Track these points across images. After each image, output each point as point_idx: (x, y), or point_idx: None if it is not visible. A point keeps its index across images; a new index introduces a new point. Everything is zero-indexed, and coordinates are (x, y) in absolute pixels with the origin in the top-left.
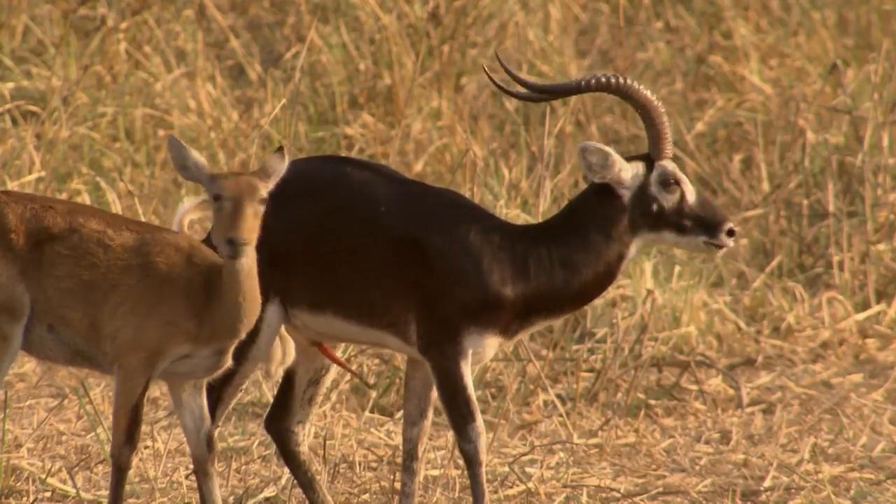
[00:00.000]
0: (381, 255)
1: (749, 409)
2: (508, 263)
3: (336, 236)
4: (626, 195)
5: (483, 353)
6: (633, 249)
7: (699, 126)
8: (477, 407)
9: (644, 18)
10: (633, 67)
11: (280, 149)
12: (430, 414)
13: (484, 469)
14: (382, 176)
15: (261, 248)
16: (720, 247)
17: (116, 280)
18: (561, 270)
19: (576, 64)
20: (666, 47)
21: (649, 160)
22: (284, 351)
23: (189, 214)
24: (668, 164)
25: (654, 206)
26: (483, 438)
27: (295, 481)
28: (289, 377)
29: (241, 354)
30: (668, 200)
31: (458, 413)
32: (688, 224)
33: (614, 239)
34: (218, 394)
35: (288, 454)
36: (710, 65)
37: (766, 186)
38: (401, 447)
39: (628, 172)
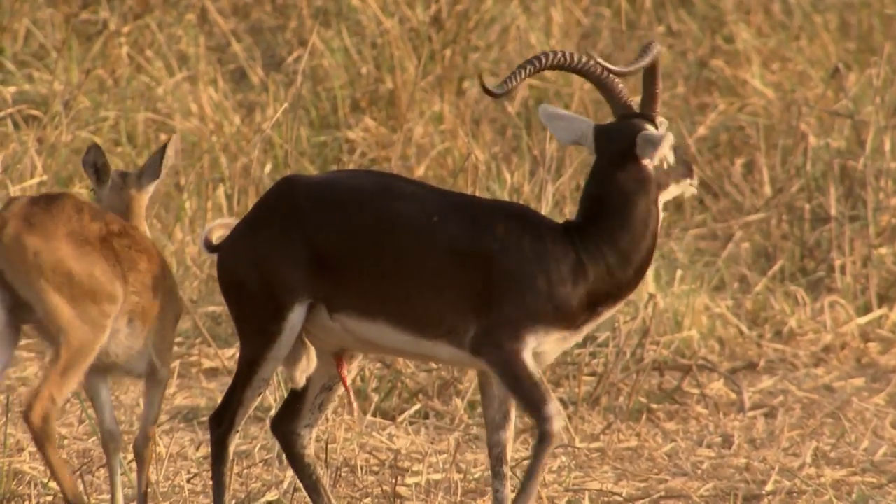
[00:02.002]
0: (438, 265)
1: (751, 413)
2: (566, 263)
3: (391, 245)
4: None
5: (549, 349)
6: (660, 214)
7: (701, 130)
8: (549, 389)
9: (646, 22)
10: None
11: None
12: (514, 416)
13: (551, 449)
14: (428, 189)
15: (296, 250)
16: (693, 187)
17: (166, 284)
18: (615, 258)
19: None
20: (668, 51)
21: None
22: (307, 357)
23: (217, 231)
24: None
25: (667, 167)
26: (560, 418)
27: (298, 485)
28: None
29: (260, 356)
30: (672, 156)
31: (530, 399)
32: (679, 173)
33: (646, 210)
34: (238, 397)
35: (293, 457)
36: (712, 69)
37: (767, 190)
38: (488, 452)
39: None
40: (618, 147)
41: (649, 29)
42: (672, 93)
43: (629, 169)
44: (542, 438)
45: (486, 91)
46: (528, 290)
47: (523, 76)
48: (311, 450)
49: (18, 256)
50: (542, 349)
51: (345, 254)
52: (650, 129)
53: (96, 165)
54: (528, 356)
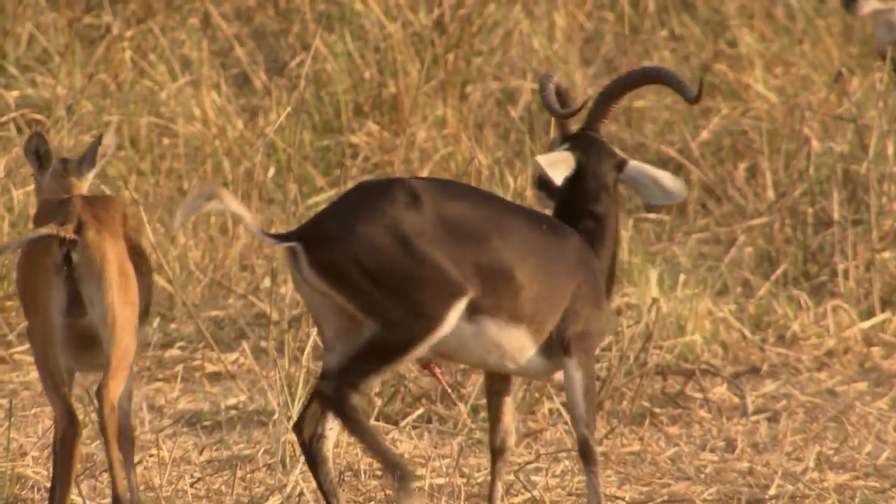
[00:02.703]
0: (555, 270)
1: (754, 418)
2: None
3: (538, 256)
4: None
5: None
6: None
7: (704, 134)
8: None
9: (649, 27)
10: None
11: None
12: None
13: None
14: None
15: (457, 251)
16: None
17: None
18: (613, 271)
19: (581, 72)
20: (671, 55)
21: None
22: None
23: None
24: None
25: None
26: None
27: (301, 489)
28: None
29: (421, 339)
30: None
31: (594, 409)
32: None
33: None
34: (380, 367)
35: (318, 459)
36: (715, 73)
37: (770, 195)
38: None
39: None
40: (608, 171)
41: (652, 33)
42: (675, 97)
43: (614, 191)
44: (591, 460)
45: (561, 115)
46: (602, 297)
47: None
48: (330, 453)
49: (98, 255)
50: None
51: (513, 263)
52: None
53: (38, 153)
54: None
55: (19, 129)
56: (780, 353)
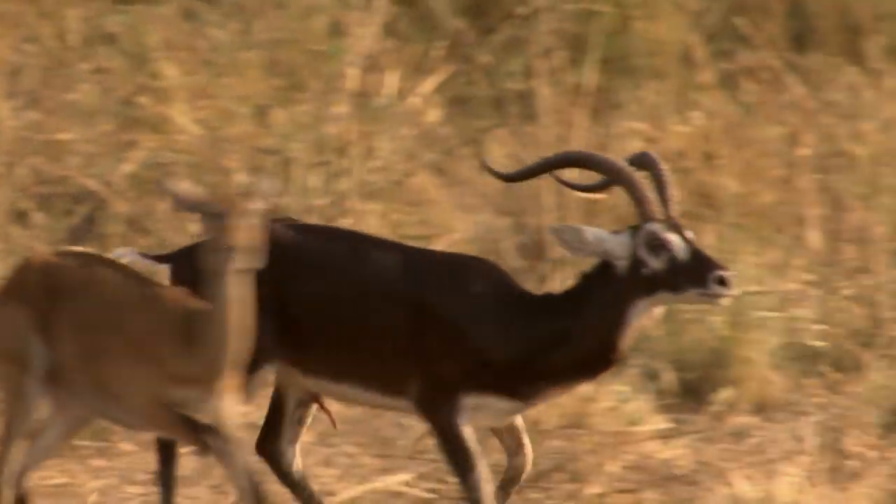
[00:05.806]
0: (392, 324)
1: None
2: (505, 329)
3: (351, 308)
4: (621, 265)
5: (491, 412)
6: (633, 318)
7: (127, 167)
8: (477, 456)
9: (74, 59)
10: (62, 109)
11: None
12: (527, 441)
13: None
14: (385, 244)
15: (274, 317)
16: (715, 296)
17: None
18: (557, 339)
19: (6, 105)
20: (96, 88)
21: (637, 226)
22: None
23: None
24: (653, 226)
25: (646, 271)
26: (489, 487)
27: None
28: (277, 399)
29: None
30: (659, 262)
31: (458, 465)
32: (680, 280)
33: (607, 309)
34: None
35: (284, 475)
36: (139, 105)
37: None
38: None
39: (613, 243)
40: None
41: (77, 66)
42: (102, 129)
43: (600, 263)
44: None
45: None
46: (461, 347)
47: None
48: (298, 464)
49: None
50: (484, 412)
51: (312, 318)
52: None
53: None
54: (462, 419)
55: None
56: None
